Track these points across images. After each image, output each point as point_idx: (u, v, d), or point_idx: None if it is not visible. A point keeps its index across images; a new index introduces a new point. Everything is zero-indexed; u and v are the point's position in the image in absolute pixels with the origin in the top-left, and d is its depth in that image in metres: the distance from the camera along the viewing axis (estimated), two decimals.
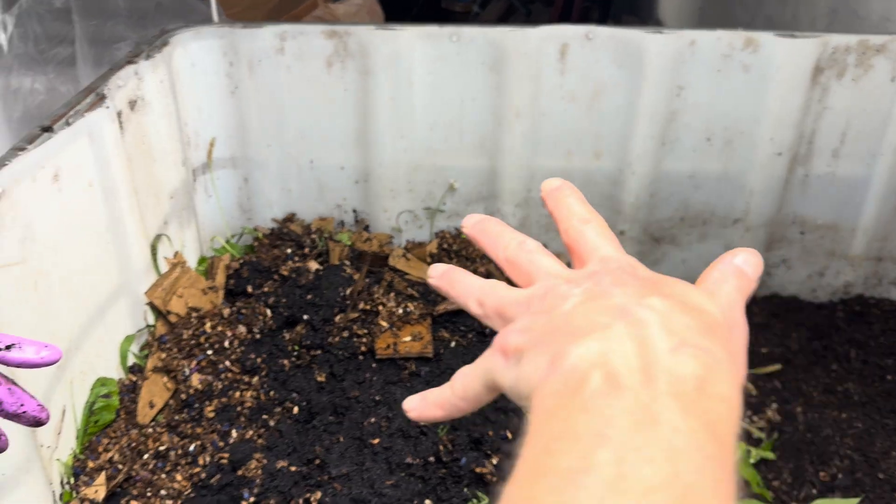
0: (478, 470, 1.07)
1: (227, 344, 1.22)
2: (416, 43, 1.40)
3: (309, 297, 1.28)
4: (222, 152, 1.47)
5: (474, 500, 1.05)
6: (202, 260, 1.43)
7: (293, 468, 1.06)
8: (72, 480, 1.04)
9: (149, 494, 1.03)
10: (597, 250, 0.45)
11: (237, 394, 1.17)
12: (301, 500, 1.02)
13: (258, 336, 1.25)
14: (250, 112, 1.44)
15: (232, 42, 1.37)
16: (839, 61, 1.40)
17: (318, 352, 1.23)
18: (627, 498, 0.29)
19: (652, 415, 0.31)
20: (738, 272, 0.42)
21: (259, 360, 1.22)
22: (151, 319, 1.24)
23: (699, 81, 1.42)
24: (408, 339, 1.26)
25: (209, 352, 1.21)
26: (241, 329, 1.25)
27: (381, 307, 1.30)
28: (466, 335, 1.32)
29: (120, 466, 1.06)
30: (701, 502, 0.29)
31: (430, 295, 1.39)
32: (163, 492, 1.04)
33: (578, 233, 0.47)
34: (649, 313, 0.36)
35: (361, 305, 1.30)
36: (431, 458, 1.09)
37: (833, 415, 1.32)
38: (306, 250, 1.44)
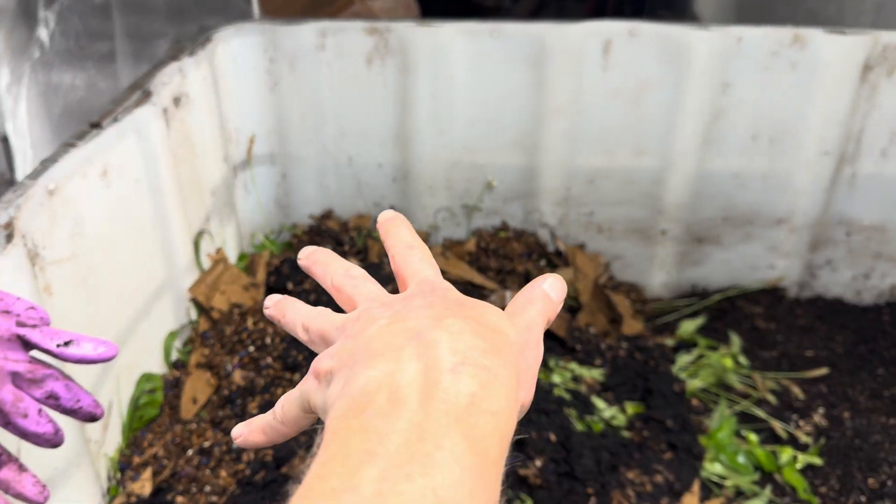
0: (521, 472, 1.06)
1: (268, 340, 1.22)
2: (457, 39, 1.38)
3: None
4: (262, 149, 1.47)
5: (518, 503, 1.04)
6: (242, 256, 1.43)
7: None
8: (118, 475, 1.05)
9: (193, 490, 1.04)
10: (418, 274, 0.48)
11: (279, 390, 1.17)
12: None
13: None
14: (290, 109, 1.43)
15: (273, 39, 1.37)
16: (889, 59, 1.37)
17: None
18: None
19: (422, 432, 0.33)
20: (543, 296, 0.45)
21: (300, 357, 1.22)
22: (194, 315, 1.25)
23: (745, 79, 1.39)
24: None
25: (251, 348, 1.21)
26: None
27: None
28: None
29: (165, 462, 1.07)
30: None
31: (470, 294, 1.38)
32: (207, 488, 1.04)
33: (403, 258, 0.50)
34: (441, 334, 0.38)
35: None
36: None
37: (881, 420, 1.29)
38: (345, 247, 1.44)
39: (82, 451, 0.93)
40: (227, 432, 1.12)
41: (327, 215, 1.55)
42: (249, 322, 1.24)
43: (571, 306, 1.43)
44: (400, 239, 0.52)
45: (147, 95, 1.10)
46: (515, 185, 1.53)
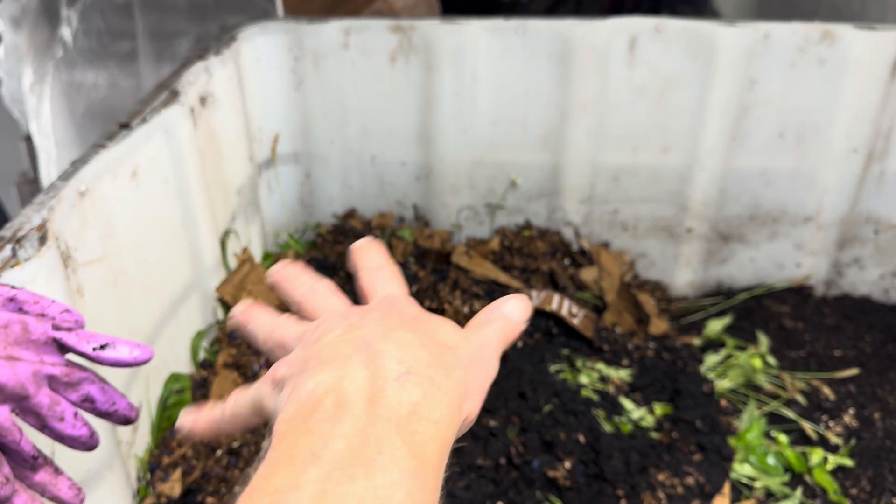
0: (550, 473, 1.05)
1: None
2: (481, 36, 1.38)
3: None
4: (285, 148, 1.47)
5: None
6: (267, 255, 1.43)
7: None
8: (147, 476, 1.05)
9: (223, 491, 1.04)
10: (381, 290, 0.51)
11: None
12: None
13: None
14: (314, 107, 1.43)
15: (297, 37, 1.37)
16: None
17: None
18: None
19: (365, 437, 0.35)
20: (501, 317, 0.48)
21: None
22: (221, 315, 1.25)
23: (773, 75, 1.38)
24: None
25: None
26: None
27: (447, 305, 1.29)
28: (533, 335, 1.30)
29: (194, 462, 1.07)
30: None
31: (495, 293, 1.38)
32: (237, 488, 1.04)
33: (369, 277, 0.53)
34: (389, 345, 0.40)
35: (427, 303, 1.28)
36: (503, 461, 1.08)
37: None
38: None
39: (114, 452, 0.94)
40: (255, 433, 1.12)
41: (350, 214, 1.54)
42: None
43: (597, 306, 1.42)
44: (369, 261, 0.54)
45: (175, 95, 1.10)
46: (539, 183, 1.52)
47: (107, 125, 1.01)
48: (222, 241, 1.25)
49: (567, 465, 1.06)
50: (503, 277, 1.42)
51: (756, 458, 1.14)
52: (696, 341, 1.37)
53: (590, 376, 1.22)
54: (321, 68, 1.40)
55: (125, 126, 1.00)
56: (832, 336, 1.45)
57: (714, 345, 1.37)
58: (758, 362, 1.27)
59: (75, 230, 0.87)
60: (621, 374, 1.23)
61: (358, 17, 1.59)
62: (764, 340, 1.36)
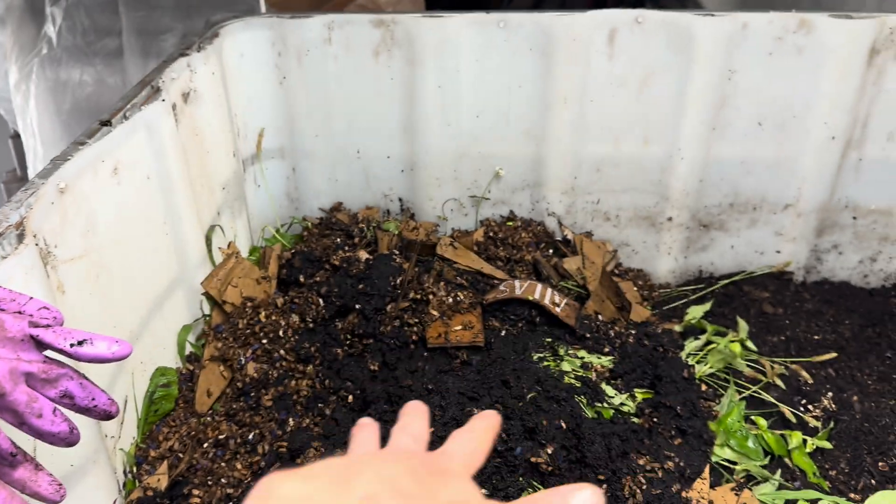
0: (533, 459, 1.07)
1: (281, 333, 1.23)
2: (463, 30, 1.39)
3: (360, 286, 1.28)
4: (271, 143, 1.48)
5: (529, 490, 1.05)
6: (253, 250, 1.45)
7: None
8: (134, 469, 1.06)
9: (209, 483, 1.05)
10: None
11: (293, 382, 1.18)
12: None
13: (311, 325, 1.26)
14: (298, 102, 1.44)
15: (281, 32, 1.37)
16: None
17: (371, 341, 1.24)
18: None
19: None
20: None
21: (313, 348, 1.23)
22: (207, 309, 1.26)
23: (751, 65, 1.39)
24: (458, 327, 1.26)
25: (264, 341, 1.22)
26: (295, 318, 1.26)
27: (431, 296, 1.30)
28: (517, 324, 1.32)
29: (181, 455, 1.08)
30: None
31: (479, 284, 1.39)
32: (223, 480, 1.06)
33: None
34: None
35: (412, 294, 1.30)
36: None
37: (890, 404, 1.29)
38: (356, 240, 1.45)
39: (99, 447, 0.95)
40: (242, 425, 1.14)
41: (336, 208, 1.56)
42: (262, 315, 1.25)
43: (580, 294, 1.44)
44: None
45: (156, 91, 1.11)
46: (523, 174, 1.53)
47: (93, 122, 1.02)
48: (207, 236, 1.26)
49: (549, 450, 1.08)
50: (487, 268, 1.44)
51: (736, 442, 1.16)
52: (677, 328, 1.39)
53: (572, 364, 1.23)
54: (305, 63, 1.41)
55: (106, 123, 1.01)
56: (811, 321, 1.47)
57: (695, 331, 1.39)
58: (737, 347, 1.29)
59: (55, 227, 0.88)
60: (603, 361, 1.25)
61: (341, 12, 1.60)
62: (744, 326, 1.38)
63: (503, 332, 1.29)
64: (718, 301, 1.51)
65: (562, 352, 1.26)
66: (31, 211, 0.84)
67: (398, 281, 1.31)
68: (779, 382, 1.29)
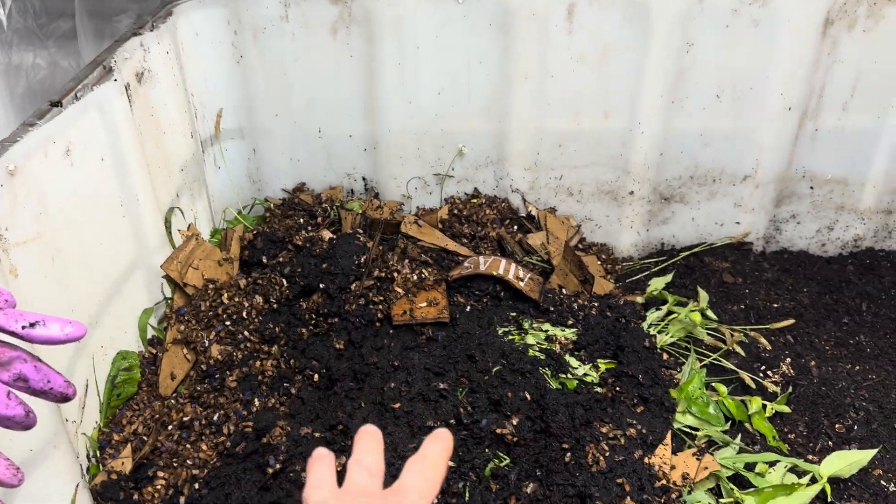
0: (498, 431, 1.08)
1: (244, 314, 1.23)
2: (422, 6, 1.38)
3: (324, 265, 1.28)
4: (230, 123, 1.46)
5: (496, 461, 1.06)
6: (215, 232, 1.43)
7: (317, 434, 1.07)
8: (98, 453, 1.05)
9: (175, 465, 1.05)
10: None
11: (258, 363, 1.18)
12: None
13: (275, 306, 1.26)
14: (256, 81, 1.42)
15: (235, 10, 1.35)
16: (849, 13, 1.39)
17: (336, 319, 1.24)
18: None
19: None
20: None
21: (277, 329, 1.23)
22: (168, 292, 1.25)
23: (708, 38, 1.40)
24: (423, 304, 1.26)
25: (227, 322, 1.21)
26: (258, 299, 1.25)
27: (395, 274, 1.30)
28: (482, 299, 1.33)
29: (145, 438, 1.07)
30: None
31: (443, 260, 1.40)
32: (189, 462, 1.05)
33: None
34: None
35: (376, 273, 1.30)
36: (452, 421, 1.10)
37: (846, 368, 1.33)
38: (318, 220, 1.44)
39: (59, 430, 0.94)
40: (207, 406, 1.13)
41: (299, 188, 1.54)
42: (225, 297, 1.24)
43: (544, 269, 1.45)
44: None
45: (108, 71, 1.09)
46: (486, 151, 1.53)
47: (44, 103, 0.99)
48: (166, 218, 1.24)
49: (514, 421, 1.09)
50: (452, 245, 1.44)
51: (697, 409, 1.18)
52: (640, 299, 1.41)
53: (536, 337, 1.24)
54: (261, 41, 1.39)
55: (56, 104, 0.99)
56: (770, 289, 1.50)
57: (656, 302, 1.41)
58: (698, 317, 1.31)
59: (5, 210, 0.87)
60: (567, 334, 1.26)
61: None
62: (704, 296, 1.40)
63: (468, 308, 1.30)
64: (680, 272, 1.53)
65: (526, 325, 1.27)
66: None
67: (362, 259, 1.30)
68: (738, 350, 1.32)
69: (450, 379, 1.15)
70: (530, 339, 1.24)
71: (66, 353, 0.99)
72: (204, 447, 1.07)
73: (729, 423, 1.19)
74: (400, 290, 1.28)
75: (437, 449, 0.54)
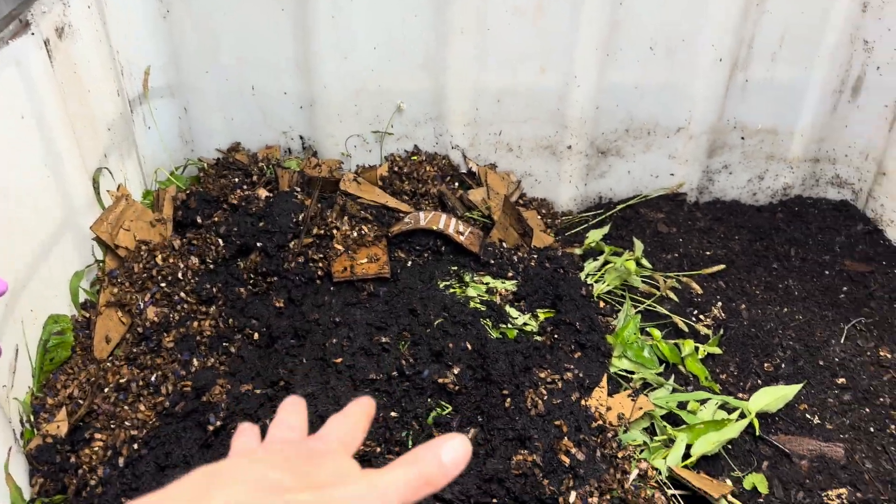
0: (440, 381, 1.10)
1: (180, 275, 1.21)
2: None
3: (261, 224, 1.26)
4: (159, 81, 1.42)
5: (438, 409, 1.08)
6: (147, 193, 1.40)
7: (258, 391, 1.07)
8: (32, 418, 1.03)
9: (112, 426, 1.03)
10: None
11: (195, 324, 1.17)
12: (268, 421, 1.03)
13: (212, 266, 1.24)
14: (184, 37, 1.38)
15: None
16: None
17: (275, 278, 1.23)
18: None
19: None
20: (425, 461, 0.43)
21: (215, 289, 1.21)
22: (100, 254, 1.22)
23: None
24: (364, 260, 1.26)
25: (163, 284, 1.19)
26: (194, 260, 1.23)
27: (335, 231, 1.29)
28: (422, 254, 1.33)
29: (80, 401, 1.05)
30: None
31: (384, 217, 1.39)
32: (127, 423, 1.04)
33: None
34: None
35: (315, 230, 1.29)
36: (395, 373, 1.11)
37: (775, 310, 1.38)
38: (254, 178, 1.42)
39: None
40: (144, 368, 1.11)
41: (234, 148, 1.52)
42: (159, 258, 1.22)
43: (486, 224, 1.46)
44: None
45: (25, 26, 1.05)
46: (424, 108, 1.53)
47: None
48: (94, 178, 1.21)
49: (456, 371, 1.11)
50: (392, 202, 1.44)
51: (632, 353, 1.21)
52: (578, 251, 1.44)
53: (477, 289, 1.26)
54: None
55: None
56: (703, 238, 1.54)
57: (594, 253, 1.44)
58: (632, 265, 1.34)
59: None
60: (507, 286, 1.27)
61: None
62: (639, 245, 1.43)
63: (409, 263, 1.30)
64: (616, 224, 1.56)
65: (467, 278, 1.28)
66: None
67: (300, 217, 1.29)
68: (672, 296, 1.36)
69: (392, 333, 1.16)
70: (471, 292, 1.25)
71: None
72: (142, 408, 1.06)
73: (663, 366, 1.23)
74: (340, 247, 1.27)
75: (359, 408, 0.54)
